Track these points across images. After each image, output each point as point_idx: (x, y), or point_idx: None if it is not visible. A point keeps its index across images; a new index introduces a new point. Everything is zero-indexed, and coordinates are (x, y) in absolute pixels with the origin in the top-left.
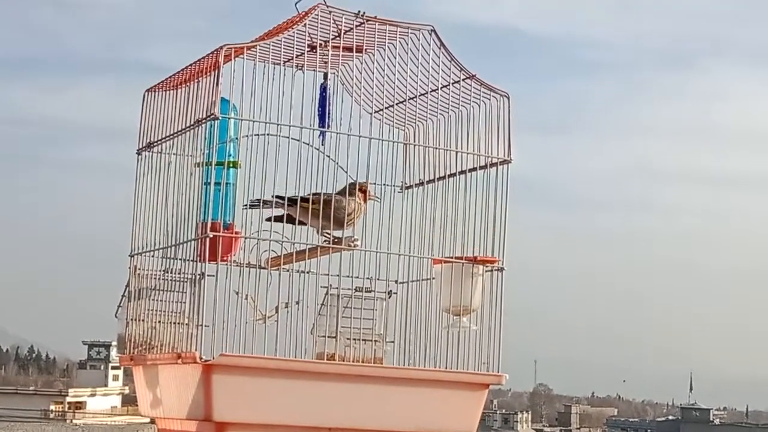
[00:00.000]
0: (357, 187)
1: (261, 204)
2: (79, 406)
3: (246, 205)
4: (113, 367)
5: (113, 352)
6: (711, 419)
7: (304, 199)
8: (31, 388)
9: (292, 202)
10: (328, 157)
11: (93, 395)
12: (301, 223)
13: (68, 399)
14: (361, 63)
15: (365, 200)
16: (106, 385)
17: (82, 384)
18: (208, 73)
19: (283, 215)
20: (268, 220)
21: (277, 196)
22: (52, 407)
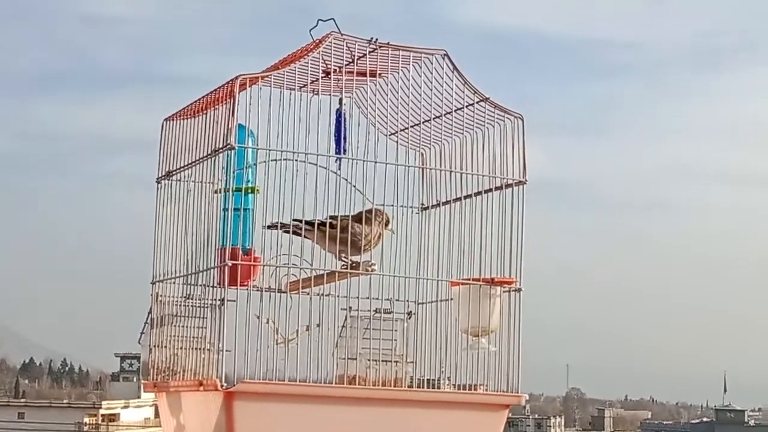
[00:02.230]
0: (376, 214)
1: (279, 226)
2: (112, 418)
3: (266, 226)
4: None
5: None
6: (746, 420)
7: (323, 224)
8: (64, 401)
9: (311, 225)
10: (346, 180)
11: (126, 407)
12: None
13: (102, 411)
14: (376, 86)
15: (384, 228)
16: (138, 397)
17: (115, 396)
18: (224, 102)
19: (300, 236)
20: (286, 231)
21: (295, 220)
22: (86, 420)
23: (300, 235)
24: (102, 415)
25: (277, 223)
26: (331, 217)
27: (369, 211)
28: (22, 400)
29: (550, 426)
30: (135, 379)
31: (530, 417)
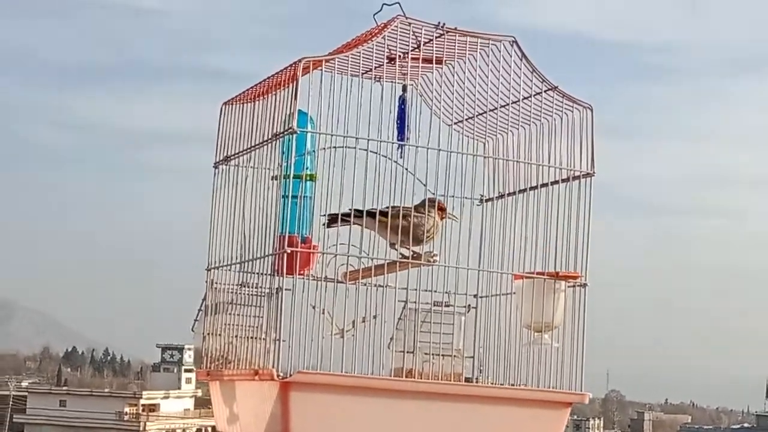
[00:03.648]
0: (435, 203)
1: (339, 219)
2: (152, 408)
3: (324, 224)
4: (186, 370)
5: (186, 355)
6: None
7: (383, 213)
8: (105, 390)
9: (370, 215)
10: (406, 169)
11: (166, 397)
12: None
13: (142, 401)
14: (440, 74)
15: (442, 218)
16: (179, 388)
17: (155, 386)
18: (286, 86)
19: (360, 223)
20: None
21: (355, 210)
22: (126, 409)
23: (361, 225)
24: (142, 405)
25: (335, 215)
26: (392, 207)
27: (429, 200)
28: (64, 388)
29: (588, 428)
30: (175, 370)
31: (569, 418)
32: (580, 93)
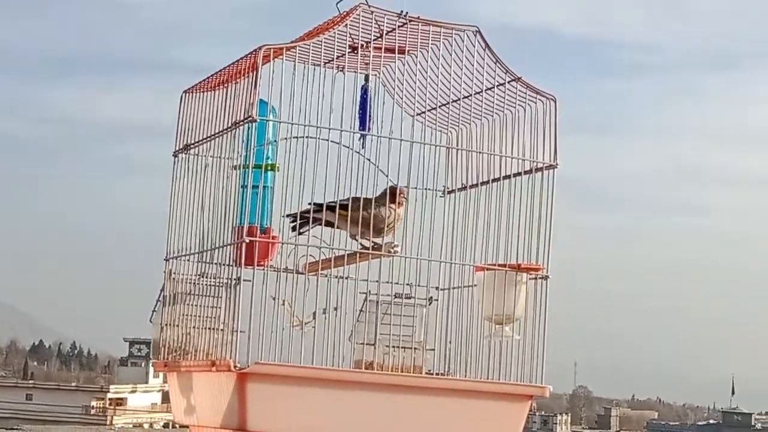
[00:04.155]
0: (395, 193)
1: (299, 218)
2: (119, 402)
3: (291, 226)
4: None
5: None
6: (753, 423)
7: (343, 206)
8: (72, 384)
9: (330, 208)
10: (369, 160)
11: (134, 392)
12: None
13: (109, 395)
14: (404, 64)
15: (400, 204)
16: (146, 382)
17: (123, 381)
18: (247, 75)
19: (320, 219)
20: (303, 224)
21: (315, 204)
22: (93, 403)
23: (320, 221)
24: (109, 399)
25: (295, 214)
26: (353, 199)
27: (390, 191)
28: (31, 381)
29: (556, 423)
30: (143, 364)
31: (537, 414)
32: (551, 88)
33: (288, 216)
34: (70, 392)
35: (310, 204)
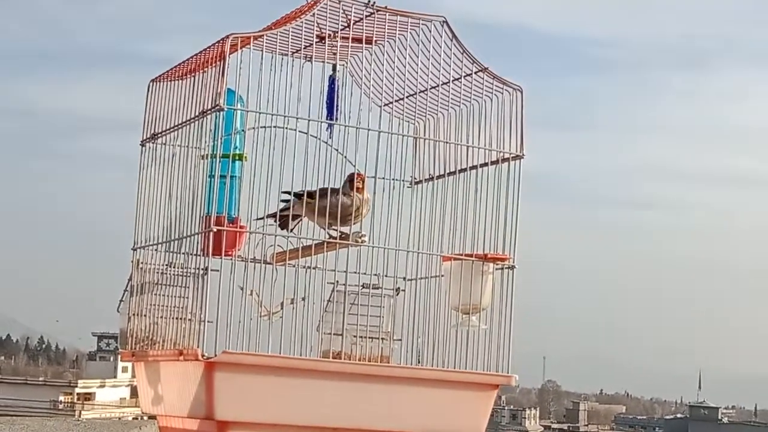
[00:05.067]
0: (360, 180)
1: (266, 216)
2: (88, 397)
3: (256, 219)
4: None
5: None
6: (719, 418)
7: (309, 195)
8: (40, 378)
9: (297, 196)
10: (336, 150)
11: (102, 386)
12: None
13: (77, 390)
14: (371, 54)
15: (360, 192)
16: (115, 377)
17: (91, 375)
18: (214, 64)
19: (288, 213)
20: (272, 216)
21: (285, 193)
22: (62, 398)
23: (287, 217)
24: (77, 394)
25: (264, 216)
26: (320, 190)
27: (349, 178)
28: None
29: (525, 417)
30: (112, 359)
31: (506, 408)
32: (523, 84)
33: (269, 217)
34: (37, 387)
35: (281, 200)
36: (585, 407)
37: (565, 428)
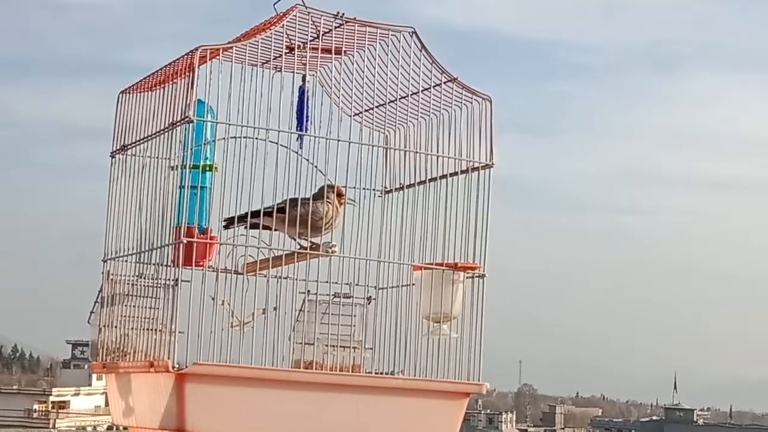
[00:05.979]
0: (333, 190)
1: (236, 220)
2: (62, 405)
3: (223, 222)
4: None
5: None
6: (695, 420)
7: (280, 209)
8: (14, 387)
9: (267, 214)
10: (307, 160)
11: (77, 394)
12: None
13: (52, 398)
14: (341, 65)
15: (341, 204)
16: (89, 385)
17: (65, 383)
18: (184, 75)
19: (259, 223)
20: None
21: (253, 212)
22: (36, 406)
23: (258, 226)
24: (52, 402)
25: (233, 218)
26: (291, 200)
27: (326, 187)
28: None
29: (501, 421)
30: (86, 367)
31: (482, 412)
32: (496, 91)
33: (226, 225)
34: (11, 395)
35: (248, 212)
36: (561, 410)
37: (542, 431)
